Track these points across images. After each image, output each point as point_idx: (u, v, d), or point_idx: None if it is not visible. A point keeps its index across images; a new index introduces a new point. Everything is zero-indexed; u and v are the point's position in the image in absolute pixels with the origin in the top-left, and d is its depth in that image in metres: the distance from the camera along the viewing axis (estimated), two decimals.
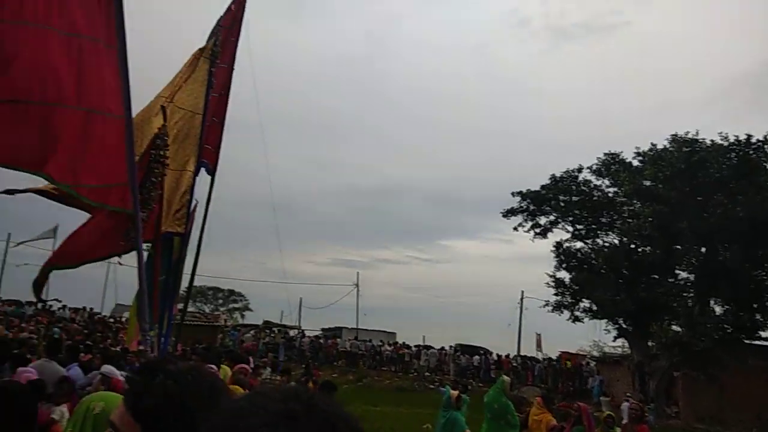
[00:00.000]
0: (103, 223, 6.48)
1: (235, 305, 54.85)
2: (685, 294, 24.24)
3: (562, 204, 27.70)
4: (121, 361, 6.76)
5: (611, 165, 26.91)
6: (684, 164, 22.48)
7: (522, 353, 34.70)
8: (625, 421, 8.96)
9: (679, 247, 23.78)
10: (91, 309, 30.12)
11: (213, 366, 6.82)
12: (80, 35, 4.75)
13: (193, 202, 8.88)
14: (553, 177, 27.69)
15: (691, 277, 24.71)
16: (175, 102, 7.58)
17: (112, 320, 28.22)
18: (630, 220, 24.80)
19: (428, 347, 31.04)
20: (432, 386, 24.56)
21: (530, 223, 28.50)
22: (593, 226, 27.86)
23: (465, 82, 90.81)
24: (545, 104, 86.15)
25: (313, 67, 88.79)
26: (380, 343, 31.17)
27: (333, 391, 6.90)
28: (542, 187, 27.78)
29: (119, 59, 4.72)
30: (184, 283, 10.00)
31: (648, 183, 24.26)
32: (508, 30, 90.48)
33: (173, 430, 1.22)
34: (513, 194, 28.07)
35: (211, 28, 8.44)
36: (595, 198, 27.37)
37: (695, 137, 23.46)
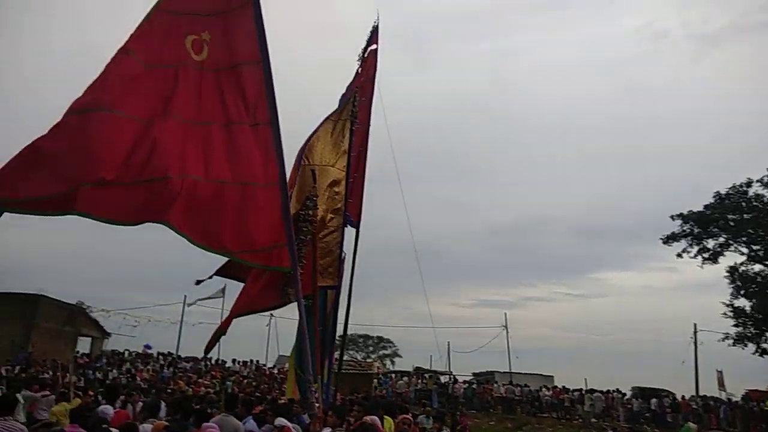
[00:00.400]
0: (259, 281, 7.06)
1: (385, 351, 55.80)
2: None
3: (732, 223, 24.95)
4: (289, 412, 7.08)
5: None
6: None
7: (701, 393, 30.80)
8: None
9: None
10: (257, 361, 32.54)
11: (375, 416, 6.88)
12: (232, 123, 5.48)
13: (342, 255, 9.35)
14: (718, 195, 25.21)
15: None
16: (314, 161, 8.14)
17: (276, 371, 30.10)
18: None
19: (592, 391, 28.69)
20: None
21: (696, 248, 26.04)
22: None
23: (598, 103, 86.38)
24: (692, 117, 78.83)
25: (440, 112, 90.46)
26: (538, 388, 29.52)
27: None
28: (706, 207, 25.32)
29: (273, 132, 5.27)
30: (337, 333, 10.41)
31: None
32: (644, 45, 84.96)
33: None
34: (672, 218, 26.00)
35: (342, 93, 9.05)
36: None
37: None
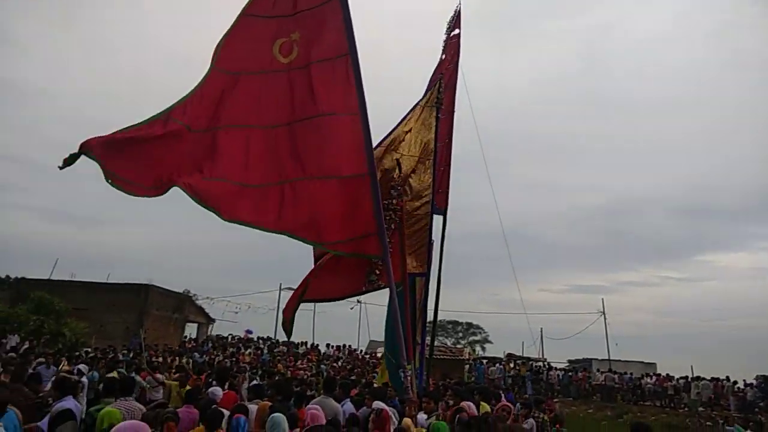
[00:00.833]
0: (345, 268, 7.30)
1: (475, 338, 55.35)
2: None
3: None
4: (385, 396, 7.25)
5: None
6: None
7: None
8: None
9: None
10: (350, 346, 33.49)
11: (471, 403, 6.89)
12: (322, 114, 5.67)
13: (431, 242, 9.40)
14: None
15: None
16: (401, 151, 8.22)
17: (367, 356, 30.84)
18: None
19: (699, 378, 26.90)
20: (709, 423, 21.10)
21: None
22: None
23: (700, 75, 79.75)
24: None
25: (525, 93, 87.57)
26: (640, 376, 28.14)
27: None
28: None
29: (362, 122, 5.41)
30: (428, 319, 10.49)
31: None
32: (749, 8, 77.23)
33: None
34: None
35: (428, 81, 9.03)
36: None
37: None
